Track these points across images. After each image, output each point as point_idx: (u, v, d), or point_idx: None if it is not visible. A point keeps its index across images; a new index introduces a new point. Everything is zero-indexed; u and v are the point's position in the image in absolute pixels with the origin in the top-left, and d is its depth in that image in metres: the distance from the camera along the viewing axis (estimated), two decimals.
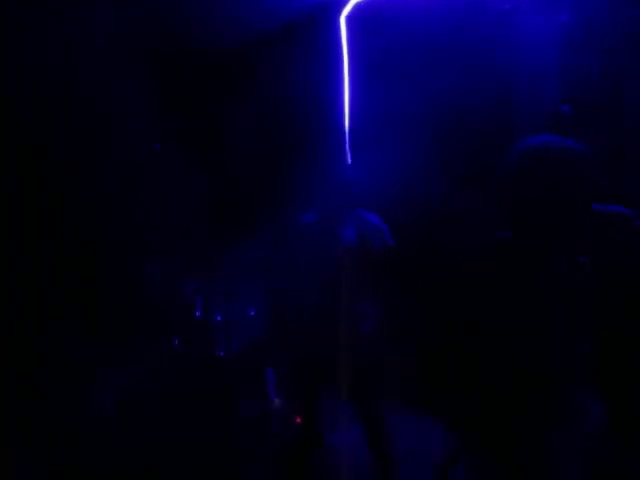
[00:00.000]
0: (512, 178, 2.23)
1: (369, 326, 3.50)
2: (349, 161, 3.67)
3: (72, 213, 3.58)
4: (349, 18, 3.99)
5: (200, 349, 3.79)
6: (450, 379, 2.41)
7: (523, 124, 3.62)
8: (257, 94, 4.15)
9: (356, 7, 3.91)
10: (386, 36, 3.89)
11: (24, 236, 3.46)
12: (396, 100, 3.86)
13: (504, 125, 3.72)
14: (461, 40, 3.71)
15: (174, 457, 3.49)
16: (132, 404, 3.47)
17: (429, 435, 3.55)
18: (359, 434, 3.63)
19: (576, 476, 2.35)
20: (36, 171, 3.48)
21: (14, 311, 3.39)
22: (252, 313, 4.03)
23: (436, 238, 3.66)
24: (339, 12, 3.98)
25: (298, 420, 3.73)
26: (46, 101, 3.47)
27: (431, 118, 3.82)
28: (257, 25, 3.98)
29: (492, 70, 3.75)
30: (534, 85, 3.65)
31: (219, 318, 3.90)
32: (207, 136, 4.15)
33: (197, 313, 3.82)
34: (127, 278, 3.68)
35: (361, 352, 3.45)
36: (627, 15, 3.09)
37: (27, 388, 3.28)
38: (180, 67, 4.04)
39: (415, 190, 3.77)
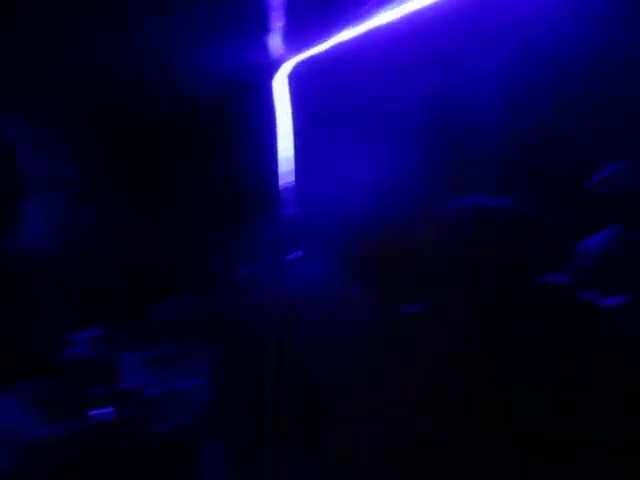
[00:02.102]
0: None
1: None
2: (291, 216, 3.52)
3: None
4: (294, 77, 4.00)
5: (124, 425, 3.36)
6: None
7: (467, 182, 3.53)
8: (200, 157, 4.08)
9: (301, 65, 3.94)
10: (329, 94, 3.88)
11: None
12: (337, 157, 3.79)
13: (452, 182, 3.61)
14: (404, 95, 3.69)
15: None
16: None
17: None
18: None
19: None
20: None
21: None
22: (195, 382, 3.65)
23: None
24: (281, 71, 4.00)
25: None
26: None
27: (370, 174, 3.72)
28: (197, 87, 3.97)
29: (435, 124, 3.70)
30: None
31: (152, 390, 3.51)
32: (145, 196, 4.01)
33: (124, 383, 3.45)
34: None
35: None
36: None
37: None
38: (117, 131, 3.97)
39: None
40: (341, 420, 3.20)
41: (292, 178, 3.73)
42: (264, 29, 3.80)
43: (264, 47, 3.88)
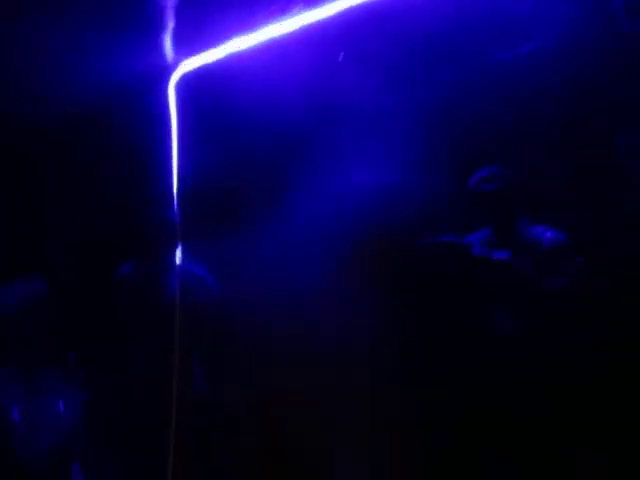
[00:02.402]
0: None
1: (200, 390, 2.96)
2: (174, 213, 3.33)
3: None
4: (179, 87, 3.88)
5: None
6: None
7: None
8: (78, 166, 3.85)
9: (193, 71, 3.83)
10: (218, 101, 3.79)
11: None
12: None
13: None
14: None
15: None
16: None
17: None
18: None
19: None
20: None
21: None
22: (61, 407, 3.30)
23: None
24: (169, 80, 3.87)
25: None
26: None
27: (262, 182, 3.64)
28: (87, 89, 3.77)
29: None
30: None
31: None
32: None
33: None
34: None
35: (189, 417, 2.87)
36: None
37: None
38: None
39: None
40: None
41: (176, 181, 3.58)
42: (157, 32, 3.69)
43: (157, 50, 3.76)
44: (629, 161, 2.82)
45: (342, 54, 3.59)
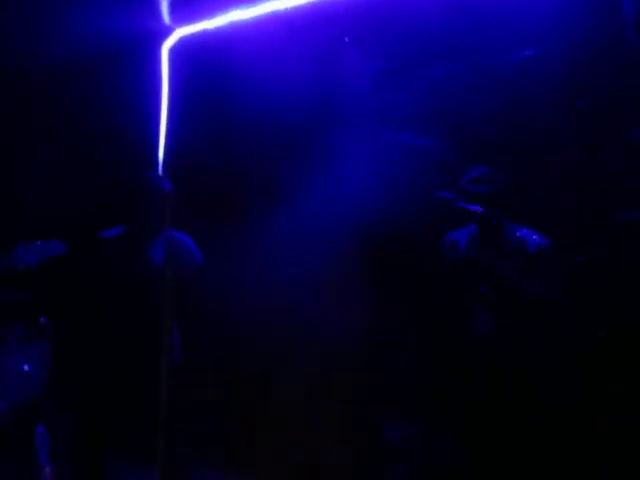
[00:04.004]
0: None
1: (174, 358, 2.93)
2: (161, 175, 3.28)
3: None
4: (175, 51, 3.81)
5: None
6: None
7: None
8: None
9: (186, 40, 3.76)
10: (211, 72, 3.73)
11: None
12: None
13: None
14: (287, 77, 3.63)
15: None
16: None
17: None
18: None
19: None
20: None
21: None
22: (26, 367, 3.24)
23: None
24: (162, 43, 3.79)
25: None
26: None
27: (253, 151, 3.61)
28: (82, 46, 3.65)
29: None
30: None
31: None
32: None
33: None
34: None
35: (164, 389, 2.85)
36: None
37: None
38: None
39: None
40: None
41: (164, 143, 3.52)
42: None
43: (154, 13, 3.67)
44: (614, 172, 2.94)
45: (347, 38, 3.58)
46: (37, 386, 3.27)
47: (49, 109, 3.77)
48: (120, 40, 3.70)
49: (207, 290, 3.11)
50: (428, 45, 3.52)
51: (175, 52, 3.82)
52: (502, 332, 2.79)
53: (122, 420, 2.94)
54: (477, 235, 2.97)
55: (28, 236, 2.82)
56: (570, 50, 3.02)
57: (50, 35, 3.61)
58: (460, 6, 3.33)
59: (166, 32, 3.80)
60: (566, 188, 2.98)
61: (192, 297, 3.05)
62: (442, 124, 3.40)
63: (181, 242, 3.12)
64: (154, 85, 3.73)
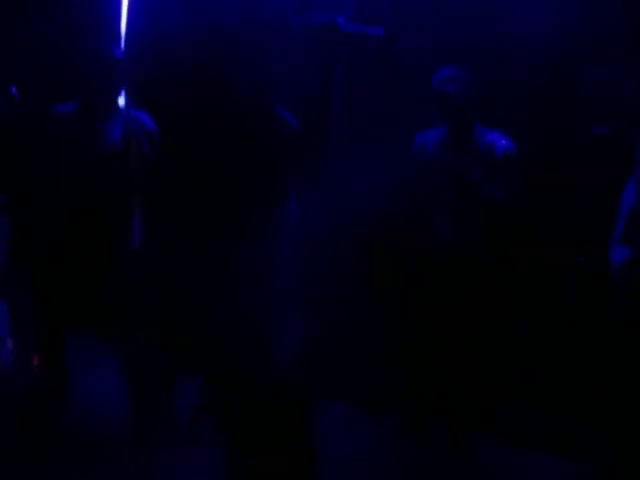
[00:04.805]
0: None
1: (133, 243, 2.91)
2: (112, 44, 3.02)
3: None
4: None
5: None
6: None
7: None
8: None
9: None
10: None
11: None
12: None
13: None
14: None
15: None
16: None
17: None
18: (118, 379, 3.02)
19: None
20: None
21: None
22: None
23: None
24: None
25: (36, 362, 3.02)
26: None
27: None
28: None
29: None
30: None
31: None
32: None
33: None
34: None
35: (123, 272, 2.86)
36: None
37: None
38: None
39: None
40: None
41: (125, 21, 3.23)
42: None
43: None
44: (591, 91, 2.89)
45: None
46: None
47: None
48: None
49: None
50: None
51: None
52: (465, 236, 2.85)
53: (84, 299, 2.97)
54: (448, 135, 2.92)
55: None
56: None
57: None
58: None
59: None
60: (535, 97, 2.93)
61: (153, 180, 2.97)
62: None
63: (140, 121, 2.97)
64: None
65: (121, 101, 3.01)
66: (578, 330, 2.92)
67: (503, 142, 2.85)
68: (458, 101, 2.82)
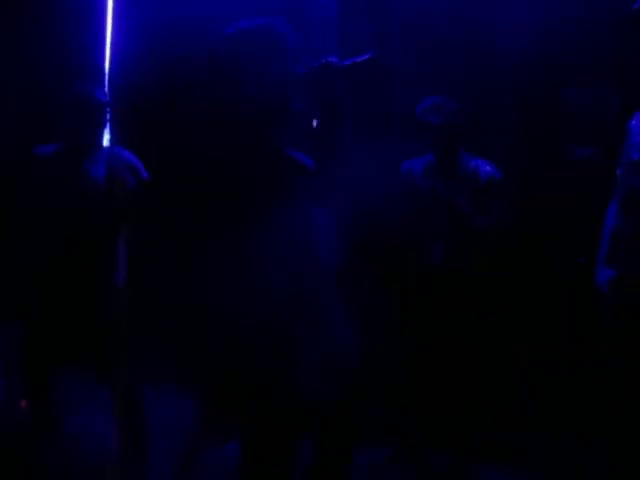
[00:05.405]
0: None
1: (120, 277, 2.89)
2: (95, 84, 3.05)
3: None
4: None
5: None
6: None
7: None
8: None
9: None
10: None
11: None
12: None
13: None
14: None
15: None
16: None
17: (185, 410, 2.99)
18: (106, 412, 2.98)
19: None
20: None
21: None
22: None
23: None
24: None
25: (24, 404, 2.98)
26: None
27: None
28: None
29: None
30: None
31: None
32: None
33: None
34: None
35: (108, 307, 2.84)
36: None
37: None
38: None
39: None
40: None
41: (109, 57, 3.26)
42: None
43: None
44: (575, 111, 2.89)
45: None
46: None
47: None
48: None
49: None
50: None
51: None
52: (455, 261, 2.84)
53: (71, 338, 2.95)
54: (433, 164, 2.93)
55: None
56: None
57: None
58: None
59: None
60: (519, 124, 2.94)
61: (138, 214, 2.96)
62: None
63: (123, 158, 2.98)
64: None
65: (105, 140, 3.02)
66: (573, 351, 2.88)
67: (487, 168, 2.85)
68: (441, 131, 2.84)
